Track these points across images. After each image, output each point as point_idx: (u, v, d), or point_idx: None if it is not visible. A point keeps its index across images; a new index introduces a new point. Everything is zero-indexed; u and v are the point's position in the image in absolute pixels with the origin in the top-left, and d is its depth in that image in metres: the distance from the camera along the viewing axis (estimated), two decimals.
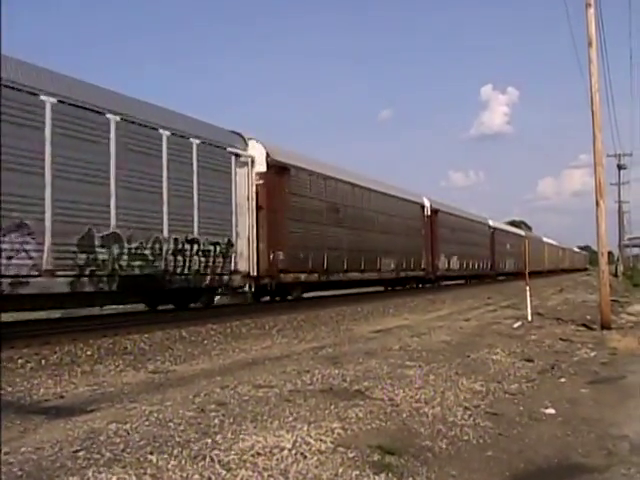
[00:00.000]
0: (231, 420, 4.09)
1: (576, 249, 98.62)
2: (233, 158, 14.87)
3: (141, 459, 3.27)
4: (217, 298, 15.87)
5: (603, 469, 3.62)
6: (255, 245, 15.35)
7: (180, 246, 12.77)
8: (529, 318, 11.61)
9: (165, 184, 12.42)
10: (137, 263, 11.60)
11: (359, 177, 23.05)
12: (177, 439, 3.65)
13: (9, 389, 5.47)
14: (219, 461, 3.25)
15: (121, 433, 3.78)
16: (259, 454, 3.37)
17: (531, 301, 12.36)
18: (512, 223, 72.31)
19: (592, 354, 7.81)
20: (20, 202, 9.31)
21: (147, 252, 11.85)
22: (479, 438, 4.10)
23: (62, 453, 3.39)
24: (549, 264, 62.06)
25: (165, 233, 12.34)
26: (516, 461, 3.73)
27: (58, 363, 7.15)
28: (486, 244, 40.26)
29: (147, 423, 4.04)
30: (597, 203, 11.07)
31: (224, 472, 3.11)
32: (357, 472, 3.23)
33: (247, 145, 15.77)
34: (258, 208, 15.58)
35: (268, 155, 16.16)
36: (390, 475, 3.25)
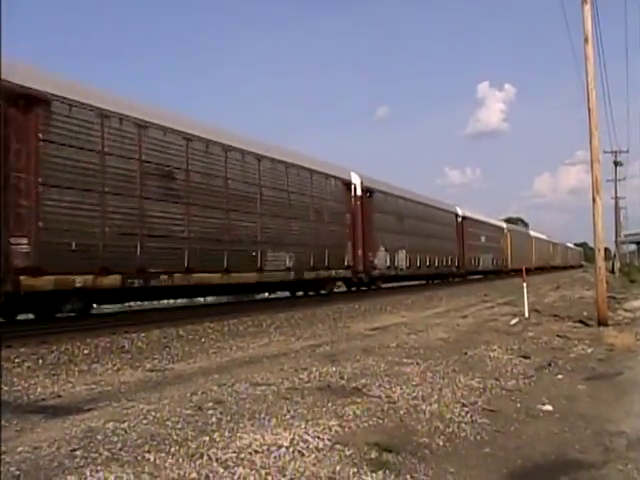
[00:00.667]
0: (228, 418, 4.10)
1: (570, 245, 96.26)
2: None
3: (139, 457, 3.27)
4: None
5: (600, 465, 3.63)
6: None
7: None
8: (526, 315, 11.64)
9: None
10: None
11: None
12: (174, 437, 3.65)
13: (6, 388, 5.46)
14: (217, 459, 3.25)
15: (119, 432, 3.78)
16: (257, 452, 3.37)
17: (528, 298, 12.40)
18: (509, 220, 72.16)
19: (589, 350, 7.82)
20: None
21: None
22: (476, 435, 4.11)
23: (59, 452, 3.39)
24: (537, 261, 55.61)
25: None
26: (513, 457, 3.75)
27: (55, 362, 7.15)
28: (452, 236, 32.98)
29: (145, 421, 4.04)
30: (594, 200, 11.07)
31: (222, 470, 3.11)
32: (354, 469, 3.23)
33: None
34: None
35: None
36: (387, 472, 3.25)
